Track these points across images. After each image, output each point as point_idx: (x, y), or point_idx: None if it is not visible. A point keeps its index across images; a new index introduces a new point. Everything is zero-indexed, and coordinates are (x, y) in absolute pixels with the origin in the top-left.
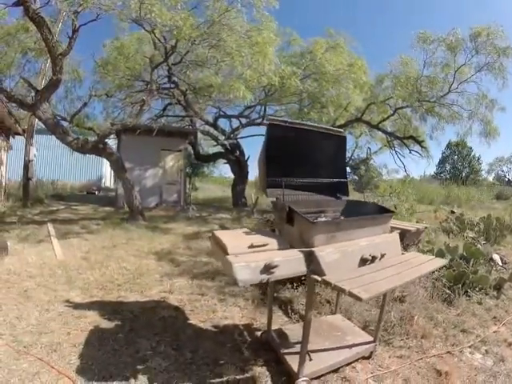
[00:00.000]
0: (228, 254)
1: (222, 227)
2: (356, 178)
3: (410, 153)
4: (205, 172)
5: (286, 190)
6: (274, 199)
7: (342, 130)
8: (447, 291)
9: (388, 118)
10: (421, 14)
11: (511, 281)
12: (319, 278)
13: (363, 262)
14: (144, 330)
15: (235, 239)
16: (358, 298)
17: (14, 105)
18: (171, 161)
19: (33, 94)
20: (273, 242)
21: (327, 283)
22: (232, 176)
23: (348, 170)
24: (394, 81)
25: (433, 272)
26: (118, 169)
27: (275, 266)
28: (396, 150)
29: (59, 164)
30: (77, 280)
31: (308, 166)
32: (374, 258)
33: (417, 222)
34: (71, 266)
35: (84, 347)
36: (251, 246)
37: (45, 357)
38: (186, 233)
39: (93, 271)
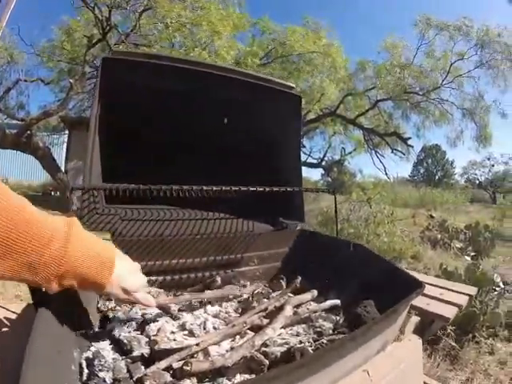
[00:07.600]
0: None
1: None
2: (330, 179)
3: (392, 152)
4: None
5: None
6: None
7: (292, 85)
8: (452, 343)
9: (367, 111)
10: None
11: None
12: None
13: None
14: None
15: None
16: None
17: None
18: None
19: None
20: None
21: None
22: None
23: (322, 171)
24: (378, 68)
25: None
26: (49, 167)
27: None
28: (375, 149)
29: (11, 160)
30: None
31: (205, 156)
32: None
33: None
34: None
35: None
36: None
37: None
38: None
39: None
